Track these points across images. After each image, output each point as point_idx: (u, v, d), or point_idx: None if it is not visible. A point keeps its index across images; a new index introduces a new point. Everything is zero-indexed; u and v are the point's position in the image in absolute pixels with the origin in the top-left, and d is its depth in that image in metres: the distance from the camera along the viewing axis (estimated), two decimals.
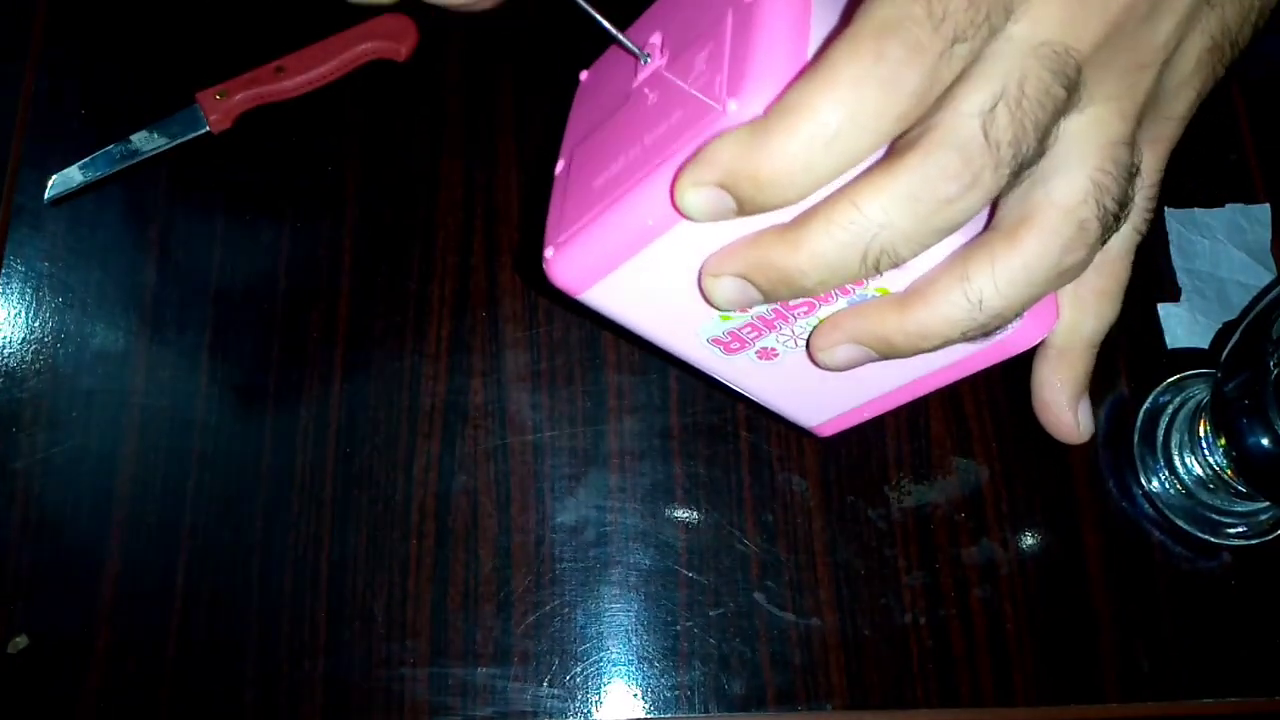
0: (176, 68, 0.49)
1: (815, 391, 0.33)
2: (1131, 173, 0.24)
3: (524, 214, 0.47)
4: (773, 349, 0.29)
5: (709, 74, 0.24)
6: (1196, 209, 0.47)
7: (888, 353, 0.25)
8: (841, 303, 0.26)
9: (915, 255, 0.23)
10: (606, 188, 0.25)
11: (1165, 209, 0.47)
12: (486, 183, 0.48)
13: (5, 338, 0.45)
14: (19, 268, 0.46)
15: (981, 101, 0.21)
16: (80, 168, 0.47)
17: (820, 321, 0.27)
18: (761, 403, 0.33)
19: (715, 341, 0.29)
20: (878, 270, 0.23)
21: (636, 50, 0.28)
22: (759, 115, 0.22)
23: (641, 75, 0.27)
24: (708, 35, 0.25)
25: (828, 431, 0.35)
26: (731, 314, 0.28)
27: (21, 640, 0.41)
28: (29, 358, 0.45)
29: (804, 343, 0.28)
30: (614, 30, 0.27)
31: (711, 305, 0.26)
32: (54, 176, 0.47)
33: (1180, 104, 0.26)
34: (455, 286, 0.46)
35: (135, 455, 0.43)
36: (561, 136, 0.31)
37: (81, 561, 0.42)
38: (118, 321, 0.45)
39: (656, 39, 0.27)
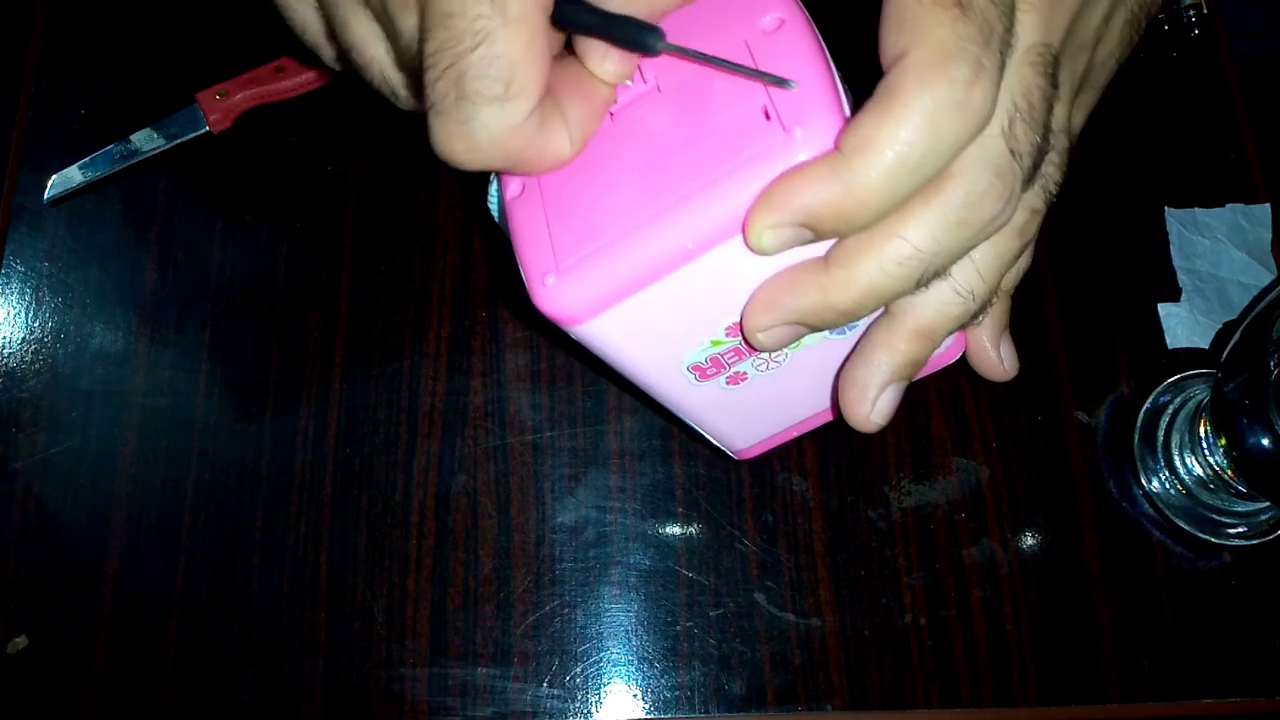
0: (176, 68, 0.49)
1: (758, 416, 0.34)
2: (1048, 129, 0.24)
3: None
4: (744, 374, 0.29)
5: (742, 102, 0.23)
6: (1197, 209, 0.47)
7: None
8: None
9: (959, 263, 0.24)
10: (622, 213, 0.24)
11: (1166, 209, 0.47)
12: (487, 183, 0.48)
13: (5, 338, 0.45)
14: (18, 268, 0.46)
15: (1002, 120, 0.22)
16: (80, 168, 0.47)
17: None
18: (698, 427, 0.33)
19: (694, 368, 0.29)
20: (926, 286, 0.24)
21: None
22: (829, 148, 0.22)
23: (627, 97, 0.26)
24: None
25: (750, 455, 0.36)
26: (723, 340, 0.27)
27: (21, 641, 0.41)
28: (29, 358, 0.45)
29: (774, 365, 0.28)
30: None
31: (755, 349, 0.26)
32: (54, 176, 0.47)
33: (1103, 74, 0.28)
34: (455, 286, 0.46)
35: (135, 455, 0.43)
36: None
37: (81, 562, 0.42)
38: (117, 322, 0.45)
39: None
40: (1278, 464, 0.36)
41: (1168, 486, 0.42)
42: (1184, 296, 0.46)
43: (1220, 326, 0.45)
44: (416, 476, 0.43)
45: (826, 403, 0.33)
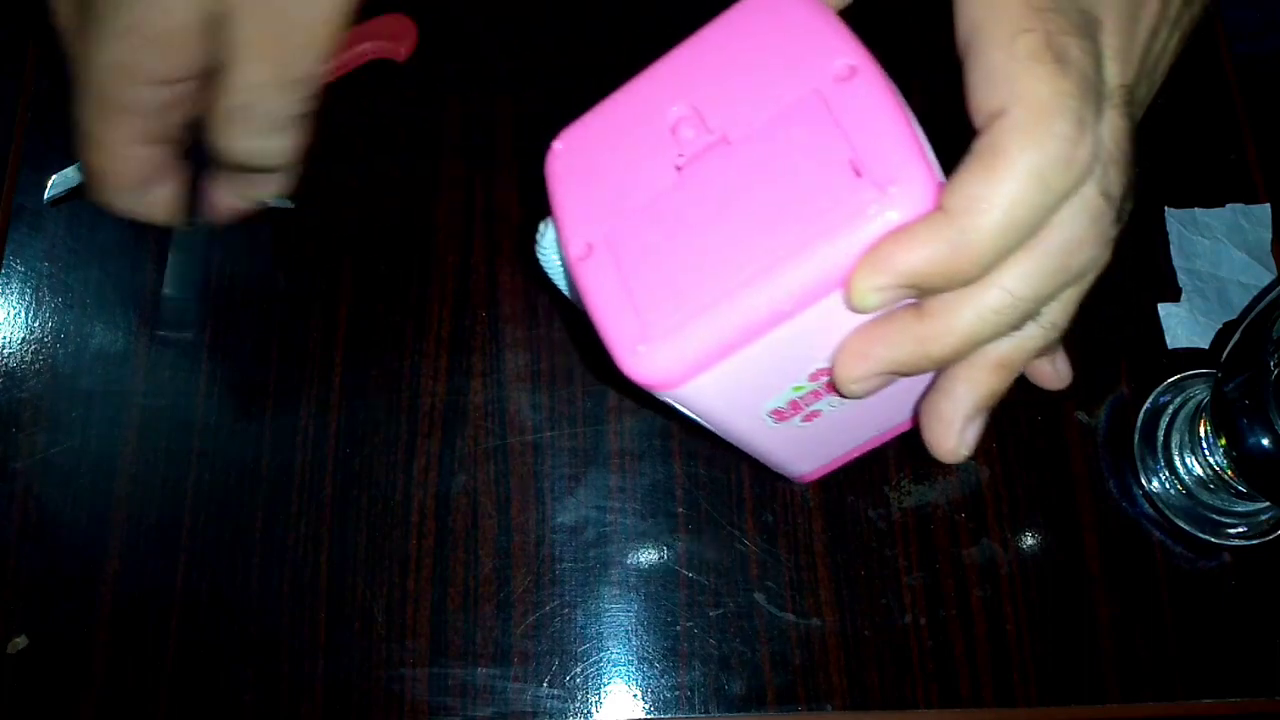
0: None
1: (828, 446, 0.34)
2: (1131, 168, 0.24)
3: (524, 214, 0.47)
4: (819, 411, 0.29)
5: (824, 157, 0.23)
6: (1197, 209, 0.47)
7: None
8: None
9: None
10: (710, 274, 0.24)
11: (1166, 209, 0.47)
12: (486, 183, 0.48)
13: (5, 338, 0.45)
14: (19, 268, 0.46)
15: (1097, 168, 0.22)
16: (80, 168, 0.47)
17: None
18: (762, 458, 0.33)
19: (773, 413, 0.28)
20: (1019, 328, 0.24)
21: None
22: (926, 206, 0.22)
23: (694, 148, 0.25)
24: (792, 115, 0.24)
25: (812, 478, 0.36)
26: (805, 385, 0.27)
27: (21, 641, 0.41)
28: (29, 358, 0.45)
29: (849, 401, 0.28)
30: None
31: (843, 396, 0.26)
32: (53, 177, 0.47)
33: (1151, 93, 0.28)
34: (455, 286, 0.46)
35: (135, 455, 0.43)
36: (549, 207, 0.28)
37: (81, 562, 0.42)
38: (117, 322, 0.45)
39: (680, 109, 0.26)
40: (1278, 464, 0.36)
41: (1168, 486, 0.42)
42: (1184, 296, 0.46)
43: (1220, 326, 0.45)
44: (416, 476, 0.43)
45: (890, 425, 0.33)
